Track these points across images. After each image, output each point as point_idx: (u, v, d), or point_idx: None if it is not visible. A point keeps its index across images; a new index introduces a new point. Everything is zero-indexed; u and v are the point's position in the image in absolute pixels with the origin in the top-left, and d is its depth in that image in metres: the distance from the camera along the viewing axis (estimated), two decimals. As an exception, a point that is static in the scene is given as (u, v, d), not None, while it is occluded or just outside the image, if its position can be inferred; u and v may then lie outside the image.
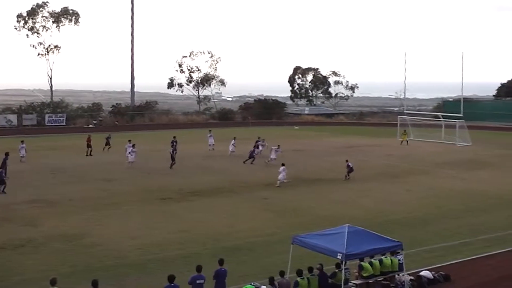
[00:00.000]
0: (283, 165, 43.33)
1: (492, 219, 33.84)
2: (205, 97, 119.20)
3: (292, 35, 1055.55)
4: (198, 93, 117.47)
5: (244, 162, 52.71)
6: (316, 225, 28.23)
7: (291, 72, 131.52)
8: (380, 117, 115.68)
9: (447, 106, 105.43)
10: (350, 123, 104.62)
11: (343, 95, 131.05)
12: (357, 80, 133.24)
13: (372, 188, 42.97)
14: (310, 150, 61.90)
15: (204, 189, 41.19)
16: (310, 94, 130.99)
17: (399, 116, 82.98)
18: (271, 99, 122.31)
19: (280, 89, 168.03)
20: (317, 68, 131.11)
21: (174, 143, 54.29)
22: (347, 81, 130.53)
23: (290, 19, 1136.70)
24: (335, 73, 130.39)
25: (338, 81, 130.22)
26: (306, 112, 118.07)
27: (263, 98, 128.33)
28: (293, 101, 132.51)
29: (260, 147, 56.01)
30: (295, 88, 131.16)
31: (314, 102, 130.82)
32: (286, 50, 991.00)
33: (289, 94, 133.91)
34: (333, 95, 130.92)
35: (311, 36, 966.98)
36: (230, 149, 58.12)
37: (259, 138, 58.79)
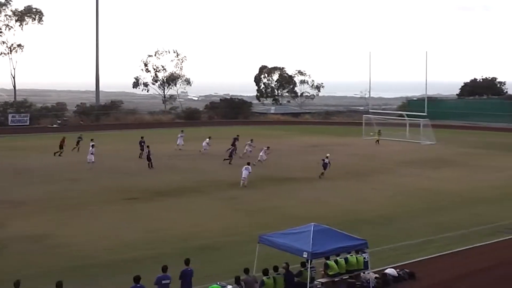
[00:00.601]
0: (248, 164, 43.42)
1: (456, 217, 34.41)
2: (171, 96, 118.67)
3: (258, 35, 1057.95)
4: (164, 92, 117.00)
5: (224, 160, 52.83)
6: (284, 224, 28.42)
7: (257, 72, 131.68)
8: (345, 116, 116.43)
9: (412, 105, 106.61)
10: (316, 122, 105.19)
11: (309, 95, 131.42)
12: (323, 79, 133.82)
13: (339, 187, 43.38)
14: (276, 149, 62.05)
15: (171, 189, 41.14)
16: (276, 94, 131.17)
17: (364, 115, 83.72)
18: (237, 98, 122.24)
19: (246, 89, 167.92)
20: (283, 68, 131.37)
21: (142, 144, 54.06)
22: (313, 81, 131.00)
23: (256, 18, 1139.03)
24: (300, 73, 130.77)
25: (304, 80, 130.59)
26: (272, 111, 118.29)
27: (229, 97, 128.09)
28: (259, 101, 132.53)
29: (248, 147, 56.13)
30: (261, 88, 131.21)
31: (280, 102, 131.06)
32: (252, 50, 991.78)
33: (255, 93, 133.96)
34: (299, 94, 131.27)
35: (277, 36, 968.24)
36: (204, 147, 58.40)
37: (237, 136, 59.02)
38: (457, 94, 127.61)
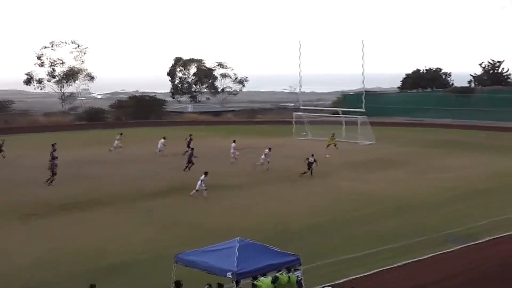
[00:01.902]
0: (205, 174, 42.67)
1: (398, 225, 34.90)
2: (71, 94, 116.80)
3: (172, 23, 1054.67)
4: (62, 90, 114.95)
5: (185, 169, 52.31)
6: (205, 239, 28.16)
7: (171, 64, 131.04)
8: (273, 114, 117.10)
9: (348, 100, 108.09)
10: (240, 122, 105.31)
11: (231, 90, 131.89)
12: (247, 72, 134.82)
13: (267, 194, 43.54)
14: (196, 153, 61.80)
15: (78, 201, 40.59)
16: (194, 89, 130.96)
17: (294, 112, 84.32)
18: (149, 95, 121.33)
19: (159, 84, 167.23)
20: (201, 60, 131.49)
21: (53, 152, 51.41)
22: (236, 74, 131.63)
23: (170, 3, 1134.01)
24: (221, 65, 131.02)
25: (225, 73, 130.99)
26: (190, 110, 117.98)
27: (139, 94, 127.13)
28: (174, 98, 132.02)
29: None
30: (176, 83, 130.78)
31: (199, 99, 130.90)
32: (165, 40, 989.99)
33: (169, 89, 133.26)
34: (220, 90, 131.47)
35: (194, 24, 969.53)
36: (159, 149, 60.39)
37: (190, 135, 59.85)
38: (398, 87, 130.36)
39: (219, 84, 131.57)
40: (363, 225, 34.98)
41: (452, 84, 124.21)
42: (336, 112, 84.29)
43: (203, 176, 42.06)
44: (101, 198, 41.85)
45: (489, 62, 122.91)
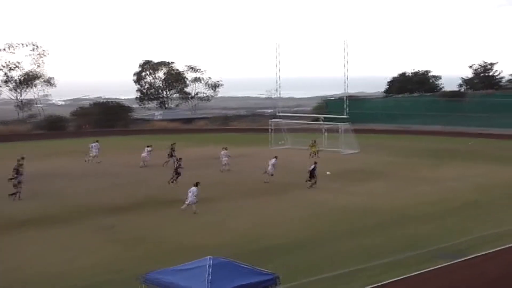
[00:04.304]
0: (196, 184, 42.42)
1: (383, 241, 34.96)
2: (29, 101, 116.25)
3: (139, 24, 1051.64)
4: (20, 96, 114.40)
5: (171, 182, 52.11)
6: (175, 258, 28.11)
7: (138, 68, 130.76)
8: (249, 121, 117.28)
9: (330, 106, 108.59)
10: (213, 130, 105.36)
11: (203, 95, 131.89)
12: (221, 76, 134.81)
13: (243, 208, 43.58)
14: (156, 165, 61.73)
15: (33, 218, 40.31)
16: (163, 95, 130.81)
17: (271, 119, 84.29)
18: (114, 102, 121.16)
19: (125, 90, 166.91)
20: (171, 63, 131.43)
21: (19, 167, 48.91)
22: (209, 78, 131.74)
23: (136, 4, 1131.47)
24: (193, 68, 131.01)
25: (197, 78, 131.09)
26: (159, 117, 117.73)
27: (103, 101, 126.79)
28: (142, 104, 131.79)
29: (224, 158, 55.68)
30: (144, 88, 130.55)
31: (168, 105, 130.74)
32: (132, 42, 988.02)
33: (136, 95, 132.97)
34: (192, 95, 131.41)
35: (162, 25, 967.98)
36: (146, 159, 61.58)
37: (172, 144, 60.98)
38: (383, 92, 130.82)
39: (191, 89, 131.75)
40: (346, 240, 35.03)
41: (442, 88, 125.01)
42: (317, 119, 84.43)
43: (194, 188, 41.73)
44: (60, 214, 41.61)
45: (480, 65, 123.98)
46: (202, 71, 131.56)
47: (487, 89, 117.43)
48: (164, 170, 56.74)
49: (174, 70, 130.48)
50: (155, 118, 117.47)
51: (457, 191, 49.48)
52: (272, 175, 53.51)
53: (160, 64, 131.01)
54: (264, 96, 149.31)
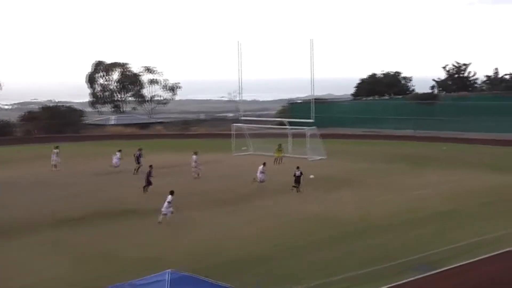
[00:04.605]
0: (171, 193, 42.51)
1: (352, 252, 35.23)
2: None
3: (91, 23, 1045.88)
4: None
5: (144, 191, 52.21)
6: (130, 272, 28.14)
7: (90, 69, 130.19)
8: (209, 126, 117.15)
9: (295, 110, 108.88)
10: (170, 135, 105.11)
11: (160, 99, 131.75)
12: (179, 78, 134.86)
13: (200, 220, 43.50)
14: (115, 172, 61.57)
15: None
16: (117, 98, 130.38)
17: (234, 124, 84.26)
18: (64, 105, 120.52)
19: (76, 92, 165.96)
20: (126, 64, 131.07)
21: None
22: (166, 80, 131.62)
23: (89, 2, 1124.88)
24: (149, 70, 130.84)
25: (154, 79, 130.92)
26: (113, 122, 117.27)
27: (53, 104, 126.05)
28: (95, 108, 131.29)
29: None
30: (97, 91, 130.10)
31: (123, 109, 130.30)
32: (84, 42, 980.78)
33: (88, 98, 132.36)
34: (148, 98, 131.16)
35: (116, 24, 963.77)
36: (116, 164, 62.36)
37: (140, 149, 61.65)
38: (352, 94, 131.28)
39: (147, 91, 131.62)
40: (312, 252, 35.20)
41: (413, 90, 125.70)
42: (282, 123, 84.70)
43: (170, 197, 41.90)
44: (4, 227, 41.35)
45: (454, 65, 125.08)
46: (159, 73, 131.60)
47: (460, 91, 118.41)
48: (127, 178, 56.49)
49: (129, 71, 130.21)
50: (110, 123, 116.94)
51: (429, 200, 49.79)
52: (262, 181, 53.98)
53: (114, 65, 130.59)
54: (225, 99, 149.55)
